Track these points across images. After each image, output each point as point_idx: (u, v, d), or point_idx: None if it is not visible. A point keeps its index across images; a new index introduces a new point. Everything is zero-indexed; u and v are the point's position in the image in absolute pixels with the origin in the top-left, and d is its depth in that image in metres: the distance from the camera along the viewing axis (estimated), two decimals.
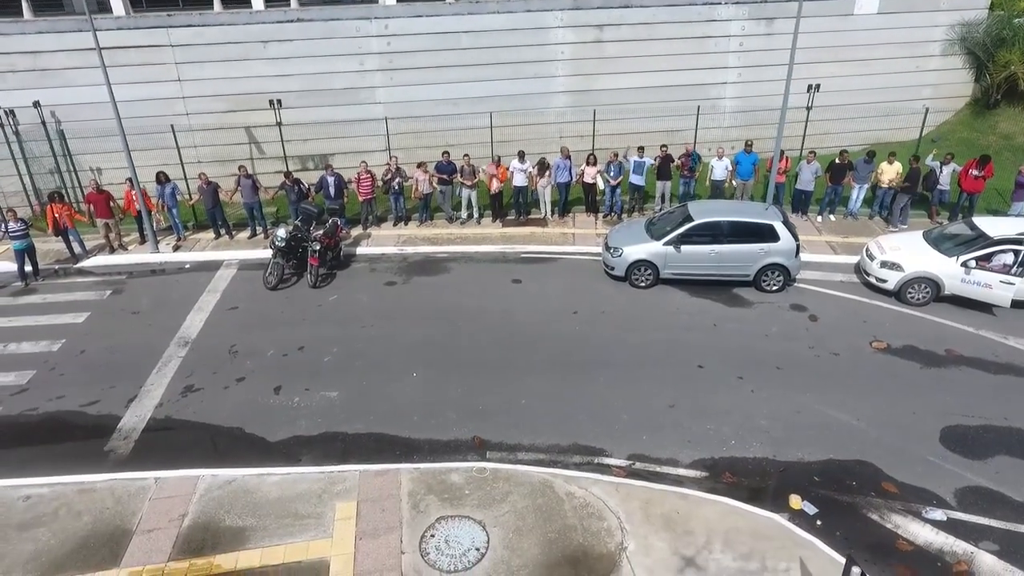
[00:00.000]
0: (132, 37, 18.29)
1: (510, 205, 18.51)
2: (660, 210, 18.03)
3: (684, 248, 14.13)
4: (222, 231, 17.66)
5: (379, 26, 19.14)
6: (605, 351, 12.32)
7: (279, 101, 17.38)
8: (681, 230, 14.20)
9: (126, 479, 9.34)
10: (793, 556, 7.91)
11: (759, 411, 10.66)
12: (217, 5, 19.25)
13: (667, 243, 14.23)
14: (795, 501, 8.88)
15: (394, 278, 15.45)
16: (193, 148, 19.46)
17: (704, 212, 14.51)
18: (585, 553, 8.02)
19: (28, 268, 15.60)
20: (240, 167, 16.95)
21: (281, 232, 14.92)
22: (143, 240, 17.43)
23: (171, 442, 10.35)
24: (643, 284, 14.57)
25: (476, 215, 18.34)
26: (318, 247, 14.95)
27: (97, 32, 17.42)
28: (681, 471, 9.54)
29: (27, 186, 18.52)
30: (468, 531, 8.30)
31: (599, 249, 16.37)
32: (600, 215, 18.49)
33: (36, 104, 17.93)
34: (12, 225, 15.04)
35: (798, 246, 14.06)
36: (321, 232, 15.21)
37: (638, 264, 14.42)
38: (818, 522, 8.65)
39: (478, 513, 8.64)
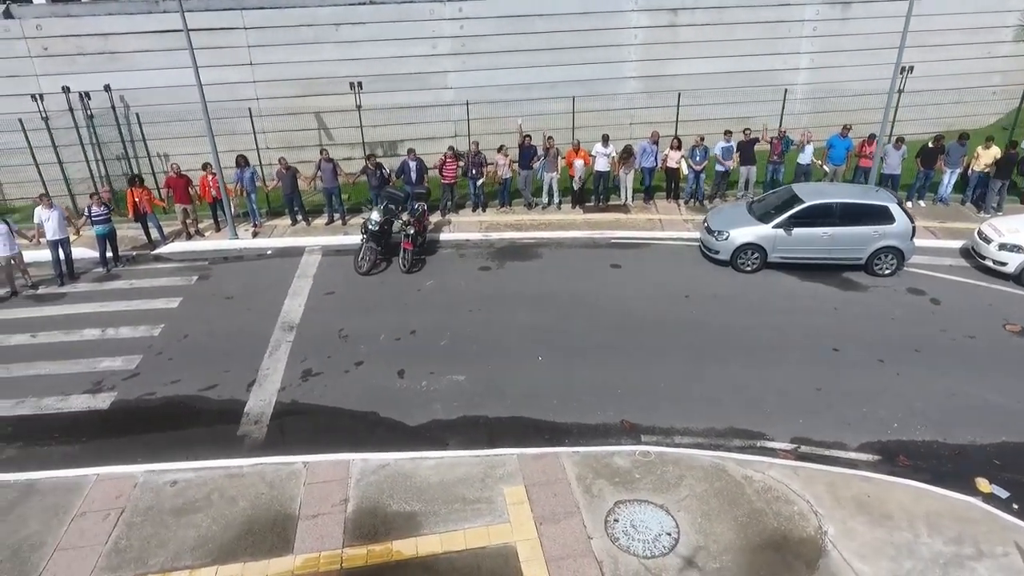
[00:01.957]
0: (205, 19, 17.79)
1: (590, 191, 18.05)
2: (742, 195, 17.68)
3: (795, 231, 13.70)
4: (298, 217, 17.19)
5: (452, 8, 18.71)
6: (730, 335, 11.92)
7: (360, 84, 16.87)
8: (791, 212, 13.80)
9: (274, 463, 8.90)
10: (1006, 540, 7.51)
11: (911, 394, 10.26)
12: None
13: (777, 226, 13.82)
14: (983, 484, 8.48)
15: (487, 263, 15.02)
16: (262, 133, 18.96)
17: (814, 194, 14.11)
18: (785, 537, 7.60)
19: (108, 254, 15.08)
20: (322, 151, 16.56)
21: (375, 216, 14.49)
22: (218, 227, 16.95)
23: (304, 427, 9.91)
24: (749, 268, 14.16)
25: (556, 201, 17.89)
26: (412, 231, 14.52)
27: (167, 14, 17.03)
28: (852, 454, 9.13)
29: (95, 172, 17.99)
30: (653, 516, 7.88)
31: (690, 234, 16.04)
32: (682, 201, 18.04)
33: (107, 88, 17.47)
34: (96, 209, 14.60)
35: (913, 228, 13.65)
36: (412, 217, 14.76)
37: (745, 247, 14.01)
38: (1014, 505, 8.23)
39: (656, 497, 8.22)
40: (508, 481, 8.52)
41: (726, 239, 14.12)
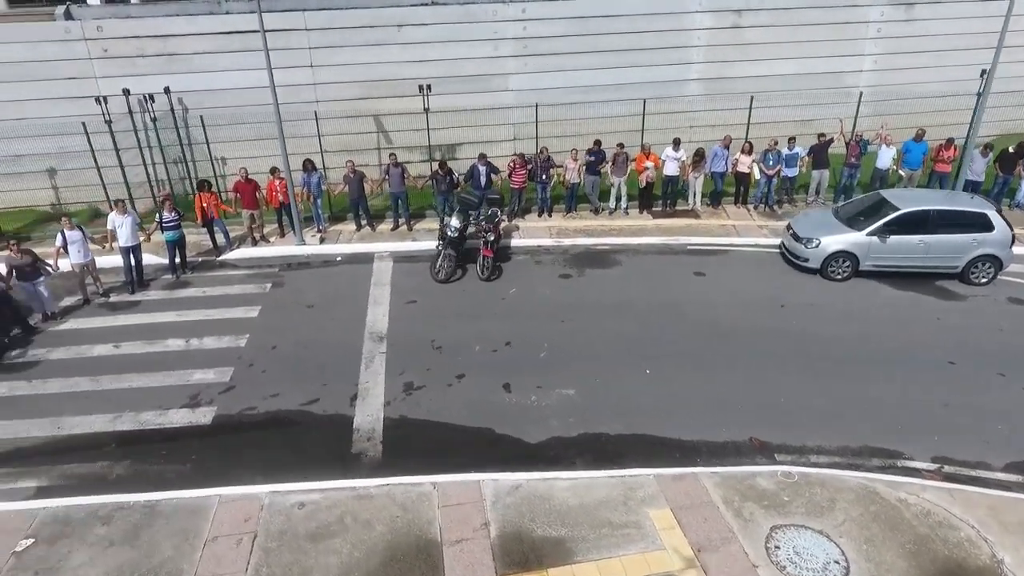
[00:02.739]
0: (267, 20, 17.32)
1: (657, 196, 17.69)
2: (812, 200, 17.36)
3: (891, 239, 13.33)
4: (363, 222, 16.84)
5: (516, 9, 18.35)
6: (836, 345, 11.59)
7: (428, 87, 16.51)
8: (886, 219, 13.44)
9: (402, 484, 8.54)
10: None
11: None
12: None
13: (871, 233, 13.46)
14: None
15: (566, 270, 14.68)
16: (321, 136, 18.61)
17: (909, 201, 13.75)
18: (960, 566, 7.25)
19: (176, 260, 14.76)
20: (391, 155, 16.21)
21: (455, 223, 14.13)
22: (283, 232, 16.61)
23: (419, 444, 9.56)
24: (840, 276, 13.82)
25: (624, 206, 17.54)
26: (492, 238, 14.17)
27: (229, 15, 16.70)
28: (999, 475, 8.80)
29: (151, 176, 17.63)
30: (815, 542, 7.52)
31: (768, 240, 15.71)
32: (752, 205, 17.68)
33: (167, 90, 17.11)
34: (167, 215, 14.25)
35: (1013, 236, 13.29)
36: (490, 223, 14.41)
37: (837, 255, 13.67)
38: None
39: (812, 522, 7.86)
40: (651, 504, 8.17)
41: (816, 246, 13.76)
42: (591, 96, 19.13)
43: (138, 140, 17.29)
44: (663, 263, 14.94)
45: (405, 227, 16.91)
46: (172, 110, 17.31)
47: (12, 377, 11.23)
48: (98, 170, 16.46)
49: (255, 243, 16.20)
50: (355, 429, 9.81)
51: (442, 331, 12.32)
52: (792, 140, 16.71)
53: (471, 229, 14.49)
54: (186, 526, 7.94)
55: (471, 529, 7.83)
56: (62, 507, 8.26)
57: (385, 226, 17.06)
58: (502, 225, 15.93)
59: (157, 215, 14.34)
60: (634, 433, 9.64)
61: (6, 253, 12.38)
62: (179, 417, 10.13)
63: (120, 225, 13.69)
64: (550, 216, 17.48)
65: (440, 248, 14.47)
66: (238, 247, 16.09)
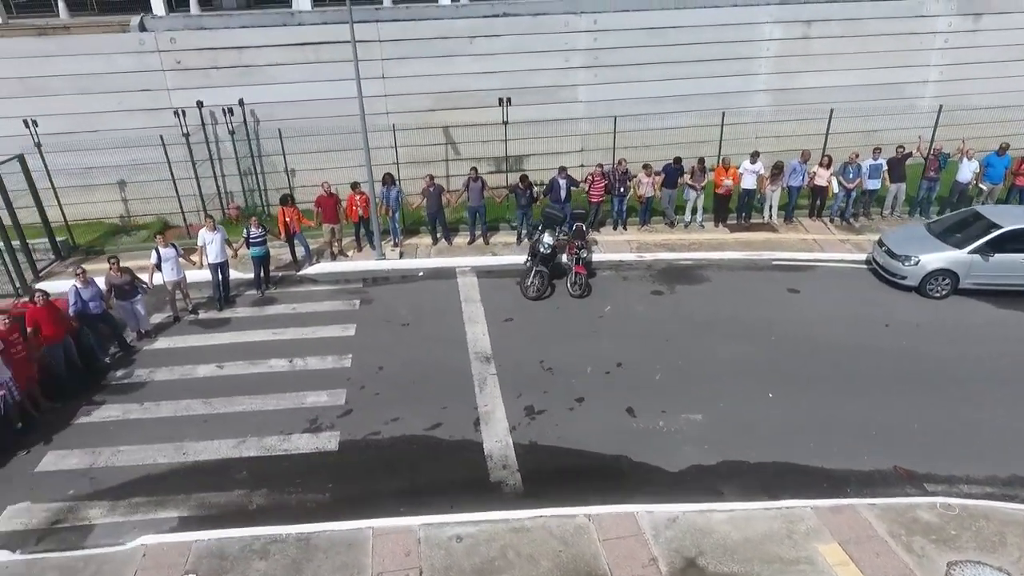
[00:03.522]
0: (340, 32, 17.25)
1: (732, 209, 17.55)
2: (888, 214, 17.26)
3: (994, 256, 13.18)
4: (439, 235, 16.70)
5: (588, 21, 18.23)
6: (953, 367, 11.47)
7: (508, 99, 16.37)
8: (989, 237, 13.28)
9: (555, 516, 8.39)
10: None
11: None
12: None
13: (973, 251, 13.30)
14: None
15: (655, 287, 14.53)
16: (391, 148, 18.47)
17: (1010, 217, 13.62)
18: None
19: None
20: (472, 168, 16.06)
21: (548, 239, 13.97)
22: (359, 246, 16.46)
23: (556, 472, 9.41)
24: (939, 295, 13.67)
25: (699, 219, 17.40)
26: (585, 254, 14.02)
27: (302, 26, 16.58)
28: None
29: (221, 188, 17.48)
30: None
31: (853, 256, 15.61)
32: (827, 219, 17.54)
33: (240, 102, 16.96)
34: (254, 231, 14.11)
35: None
36: (581, 240, 14.26)
37: (936, 273, 13.52)
38: None
39: (988, 558, 7.70)
40: (817, 538, 8.01)
41: (916, 264, 13.62)
42: (659, 107, 19.04)
43: (209, 152, 17.13)
44: (753, 279, 14.78)
45: (482, 241, 16.72)
46: (245, 122, 17.15)
47: (123, 399, 11.07)
48: (174, 183, 16.34)
49: (334, 257, 16.04)
50: (487, 456, 9.64)
51: (547, 351, 12.16)
52: (877, 151, 16.56)
53: (576, 245, 14.31)
54: (347, 560, 7.79)
55: (640, 565, 7.67)
56: (215, 540, 8.09)
57: (461, 239, 16.92)
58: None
59: (244, 231, 14.15)
60: (775, 461, 9.48)
61: (106, 272, 12.17)
62: (304, 443, 9.96)
63: (210, 241, 13.53)
64: (625, 229, 17.32)
65: (530, 264, 14.31)
66: (317, 262, 15.91)
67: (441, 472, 9.42)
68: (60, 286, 14.84)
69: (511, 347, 12.33)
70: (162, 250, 12.94)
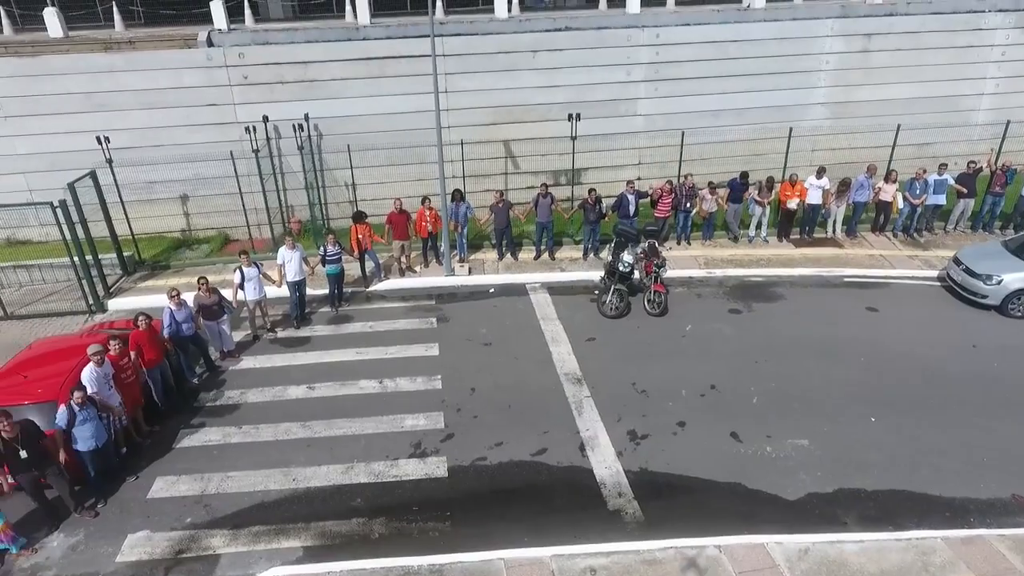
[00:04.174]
0: (403, 46, 17.32)
1: (795, 224, 17.51)
2: (952, 229, 17.20)
3: None
4: (505, 251, 16.67)
5: (650, 35, 18.20)
6: None
7: (578, 115, 16.35)
8: None
9: (686, 547, 8.33)
10: None
11: None
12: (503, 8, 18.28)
13: None
14: None
15: (731, 304, 14.49)
16: (450, 162, 18.46)
17: None
18: None
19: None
20: (542, 184, 16.00)
21: (628, 258, 13.94)
22: (426, 262, 16.44)
23: (674, 500, 9.37)
24: (1020, 314, 13.62)
25: (763, 234, 17.36)
26: (666, 272, 13.97)
27: (366, 41, 16.58)
28: None
29: (283, 203, 17.46)
30: None
31: (924, 273, 15.56)
32: (891, 234, 17.48)
33: (306, 117, 16.96)
34: (330, 248, 14.07)
35: None
36: (653, 256, 14.21)
37: (1020, 292, 13.44)
38: None
39: None
40: (953, 571, 7.96)
41: (998, 284, 13.56)
42: (717, 121, 19.01)
43: (273, 167, 17.12)
44: (828, 297, 14.73)
45: (547, 256, 16.68)
46: (310, 137, 17.14)
47: (221, 422, 11.06)
48: (241, 197, 16.31)
49: (402, 274, 16.01)
50: (600, 483, 9.60)
51: (637, 372, 12.12)
52: (943, 167, 16.50)
53: (655, 263, 14.27)
54: None
55: None
56: (347, 571, 8.06)
57: (526, 255, 16.87)
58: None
59: (321, 248, 14.13)
60: (891, 489, 9.43)
61: (196, 292, 12.15)
62: (412, 469, 9.94)
63: (289, 260, 13.52)
64: (689, 244, 17.28)
65: (607, 282, 14.28)
66: (385, 278, 15.89)
67: (556, 500, 9.37)
68: (128, 303, 14.96)
69: (599, 368, 12.28)
70: (245, 269, 12.92)
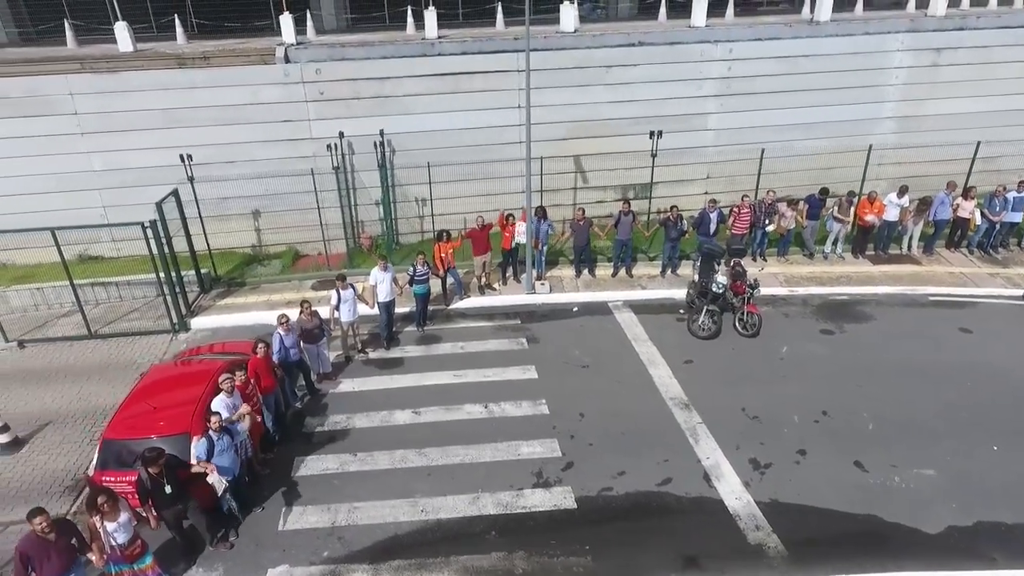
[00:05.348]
0: (480, 62, 17.24)
1: (871, 240, 17.39)
2: None
3: None
4: (583, 268, 16.58)
5: (723, 49, 18.08)
6: None
7: (659, 132, 16.24)
8: None
9: None
10: None
11: None
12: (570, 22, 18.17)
13: None
14: None
15: (822, 325, 14.38)
16: (520, 178, 18.37)
17: None
18: None
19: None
20: (625, 202, 15.88)
21: (722, 279, 13.84)
22: (504, 280, 16.35)
23: (813, 533, 9.26)
24: None
25: (839, 251, 17.25)
26: (759, 292, 13.87)
27: (441, 56, 16.51)
28: None
29: (351, 218, 17.38)
30: None
31: (1010, 291, 15.44)
32: (967, 250, 17.36)
33: (381, 133, 16.87)
34: (419, 269, 13.99)
35: None
36: (743, 276, 14.10)
37: None
38: None
39: None
40: None
41: None
42: (785, 136, 18.89)
43: (349, 182, 17.05)
44: (919, 317, 14.61)
45: (624, 273, 16.58)
46: (383, 152, 17.05)
47: (334, 449, 10.99)
48: (319, 213, 16.26)
49: (481, 291, 15.92)
50: (734, 515, 9.50)
51: (743, 397, 12.02)
52: (1023, 184, 16.38)
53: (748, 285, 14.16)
54: None
55: None
56: None
57: (602, 272, 16.77)
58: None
59: (410, 268, 14.06)
60: None
61: (298, 316, 12.07)
62: (539, 499, 9.84)
63: (382, 281, 13.44)
64: (765, 261, 17.16)
65: (697, 302, 14.17)
66: (466, 295, 15.79)
67: (693, 533, 9.28)
68: (209, 322, 14.95)
69: (705, 393, 12.18)
70: (342, 291, 12.83)
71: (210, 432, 8.76)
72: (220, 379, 9.46)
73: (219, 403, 9.36)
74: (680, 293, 15.68)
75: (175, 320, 14.62)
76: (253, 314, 15.25)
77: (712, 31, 18.16)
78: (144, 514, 8.38)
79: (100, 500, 7.44)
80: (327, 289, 15.87)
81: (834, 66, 18.67)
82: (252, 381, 10.29)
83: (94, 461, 9.16)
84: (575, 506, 9.74)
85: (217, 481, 8.51)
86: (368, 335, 14.23)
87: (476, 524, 9.45)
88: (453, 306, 15.56)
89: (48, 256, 15.27)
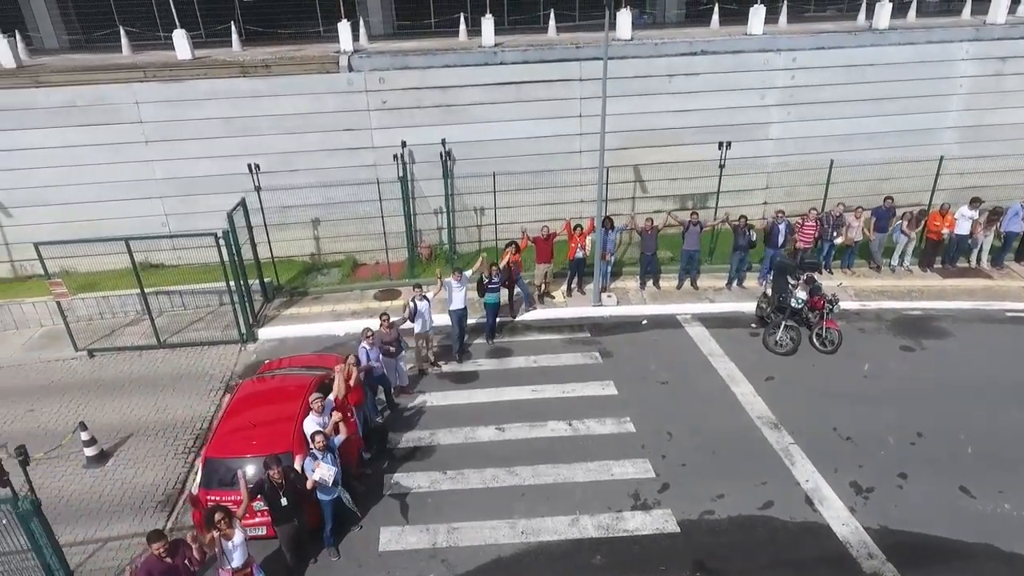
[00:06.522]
0: (542, 71, 17.08)
1: (941, 253, 17.09)
2: None
3: None
4: (647, 280, 16.37)
5: (787, 58, 17.85)
6: None
7: (728, 144, 16.00)
8: None
9: None
10: None
11: None
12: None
13: None
14: None
15: (900, 341, 14.12)
16: (578, 188, 18.23)
17: None
18: None
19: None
20: (693, 213, 15.78)
21: (802, 294, 13.59)
22: (569, 290, 16.16)
23: (928, 563, 9.01)
24: None
25: (906, 264, 16.95)
26: (839, 308, 13.62)
27: (503, 65, 16.35)
28: None
29: (412, 227, 17.22)
30: None
31: None
32: None
33: (443, 142, 16.73)
34: (492, 278, 13.80)
35: None
36: (816, 291, 13.84)
37: None
38: None
39: None
40: None
41: None
42: (847, 145, 18.64)
43: (408, 191, 16.90)
44: (999, 334, 14.32)
45: (690, 285, 16.35)
46: (445, 162, 16.91)
47: (422, 466, 10.88)
48: (382, 221, 16.15)
49: (541, 300, 15.75)
50: (844, 542, 9.28)
51: (833, 416, 11.80)
52: None
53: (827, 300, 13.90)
54: None
55: None
56: None
57: (667, 283, 16.54)
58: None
59: (483, 277, 13.89)
60: None
61: (378, 328, 11.91)
62: (640, 522, 9.65)
63: (458, 289, 13.27)
64: (831, 273, 16.89)
65: (773, 317, 13.94)
66: (531, 307, 15.61)
67: (808, 561, 9.06)
68: (275, 332, 14.90)
69: (792, 412, 11.95)
70: (418, 303, 12.68)
71: (314, 451, 8.61)
72: (311, 398, 9.31)
73: (311, 424, 9.22)
74: (748, 306, 15.45)
75: (243, 330, 14.49)
76: (319, 325, 15.14)
77: (776, 39, 17.92)
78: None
79: (218, 517, 7.32)
80: (389, 299, 15.81)
81: (897, 75, 18.41)
82: (346, 397, 10.14)
83: (197, 479, 9.02)
84: (678, 530, 9.53)
85: (326, 469, 8.34)
86: (438, 347, 14.04)
87: (580, 548, 9.27)
88: (520, 317, 15.38)
89: (109, 263, 15.29)
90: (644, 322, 15.13)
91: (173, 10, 16.88)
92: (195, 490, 8.89)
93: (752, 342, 14.18)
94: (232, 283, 13.81)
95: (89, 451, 10.89)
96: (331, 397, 9.64)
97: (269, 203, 16.00)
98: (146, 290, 14.67)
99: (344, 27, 17.84)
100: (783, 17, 20.69)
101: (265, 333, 14.89)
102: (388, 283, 16.52)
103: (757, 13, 18.76)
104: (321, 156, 16.71)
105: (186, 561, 7.29)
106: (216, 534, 7.26)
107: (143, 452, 11.30)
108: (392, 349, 12.11)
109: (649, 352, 13.97)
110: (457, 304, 13.41)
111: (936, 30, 18.59)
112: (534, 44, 18.02)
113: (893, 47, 18.22)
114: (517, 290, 15.22)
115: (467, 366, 13.64)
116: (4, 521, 6.63)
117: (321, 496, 8.74)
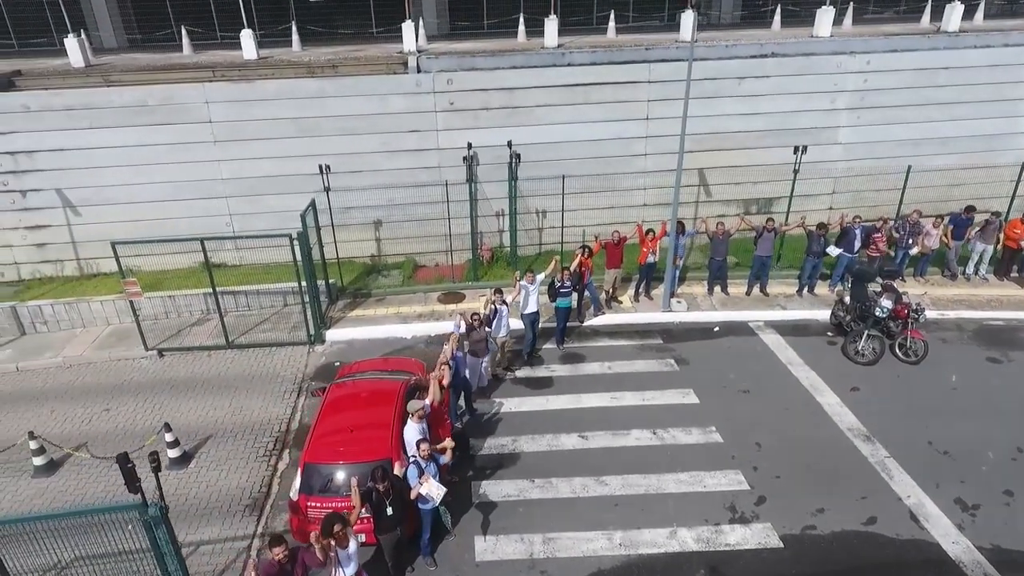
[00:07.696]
0: (609, 72, 16.85)
1: (1019, 263, 16.58)
2: None
3: None
4: (715, 286, 16.06)
5: (860, 61, 17.45)
6: None
7: (804, 148, 15.64)
8: None
9: None
10: None
11: None
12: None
13: None
14: None
15: (986, 352, 13.71)
16: (642, 191, 17.97)
17: None
18: None
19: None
20: (768, 219, 15.45)
21: (887, 303, 13.22)
22: (637, 295, 15.90)
23: None
24: None
25: (982, 272, 16.48)
26: (925, 318, 13.23)
27: (571, 67, 16.16)
28: None
29: (472, 229, 17.06)
30: None
31: None
32: None
33: (509, 144, 16.54)
34: (564, 282, 13.58)
35: None
36: (897, 300, 13.45)
37: None
38: None
39: None
40: None
41: None
42: (918, 150, 18.20)
43: (474, 193, 16.74)
44: None
45: (760, 291, 16.02)
46: (512, 164, 16.73)
47: (509, 474, 10.69)
48: (448, 224, 16.05)
49: (608, 304, 15.52)
50: (956, 562, 8.93)
51: (927, 429, 11.45)
52: None
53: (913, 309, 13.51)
54: None
55: None
56: None
57: (736, 290, 16.22)
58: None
59: (555, 281, 13.69)
60: None
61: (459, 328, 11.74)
62: (741, 536, 9.38)
63: (532, 292, 13.09)
64: (904, 282, 16.46)
65: (855, 326, 13.60)
66: (600, 312, 15.38)
67: None
68: (342, 334, 14.92)
69: (883, 424, 11.61)
70: (499, 306, 12.51)
71: (418, 459, 8.45)
72: (410, 405, 9.17)
73: (412, 431, 9.06)
74: (820, 314, 15.12)
75: (312, 331, 14.42)
76: (385, 327, 15.04)
77: (849, 42, 17.55)
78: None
79: (336, 528, 7.18)
80: (454, 303, 15.67)
81: (971, 79, 17.94)
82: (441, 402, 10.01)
83: (297, 484, 8.90)
84: (781, 545, 9.25)
85: (436, 488, 8.19)
86: (510, 352, 13.86)
87: (681, 561, 9.02)
88: (588, 323, 15.17)
89: (172, 263, 15.32)
90: (716, 329, 14.84)
91: (241, 9, 16.85)
92: (294, 496, 8.75)
93: (831, 351, 13.86)
94: (303, 284, 13.67)
95: (172, 452, 10.83)
96: (427, 402, 9.46)
97: (334, 204, 15.91)
98: (217, 291, 14.63)
99: (408, 27, 17.77)
100: (848, 19, 20.28)
101: (332, 335, 14.81)
102: (450, 286, 16.39)
103: (826, 14, 18.41)
104: (384, 157, 16.62)
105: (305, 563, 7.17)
106: (332, 543, 7.12)
107: (224, 454, 11.23)
108: (481, 347, 11.92)
109: (725, 360, 13.68)
110: (530, 308, 13.24)
111: (1013, 33, 18.08)
112: (597, 46, 17.81)
113: (967, 50, 17.81)
114: (586, 294, 14.92)
115: (541, 372, 13.44)
116: (130, 527, 6.54)
117: (422, 505, 8.58)
